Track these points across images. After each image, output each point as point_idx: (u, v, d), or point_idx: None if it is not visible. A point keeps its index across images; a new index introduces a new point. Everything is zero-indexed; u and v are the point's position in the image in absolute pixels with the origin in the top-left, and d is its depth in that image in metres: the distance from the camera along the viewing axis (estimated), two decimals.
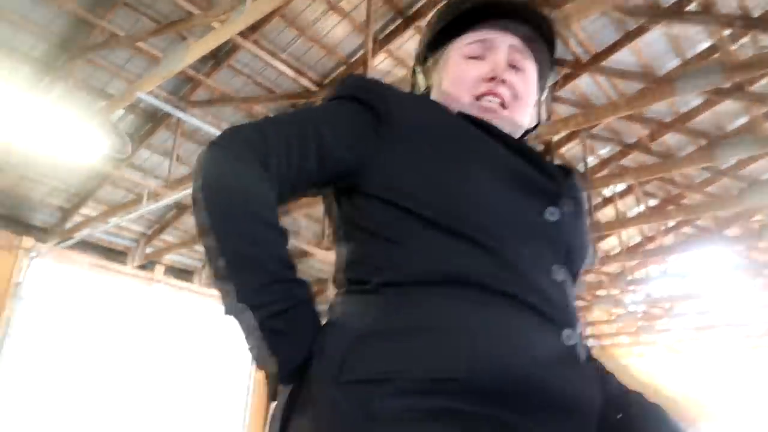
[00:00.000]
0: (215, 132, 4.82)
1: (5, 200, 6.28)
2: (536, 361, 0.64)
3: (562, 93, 5.76)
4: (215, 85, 5.23)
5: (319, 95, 5.14)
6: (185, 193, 5.29)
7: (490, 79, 0.85)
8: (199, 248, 7.49)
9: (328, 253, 6.78)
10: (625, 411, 0.70)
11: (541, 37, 0.89)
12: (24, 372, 6.10)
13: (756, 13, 4.75)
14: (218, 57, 5.08)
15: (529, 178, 0.76)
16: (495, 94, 0.84)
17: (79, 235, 6.23)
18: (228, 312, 0.69)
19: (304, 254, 7.12)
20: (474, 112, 0.83)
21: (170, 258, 7.57)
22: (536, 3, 0.93)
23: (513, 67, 0.86)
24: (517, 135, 0.88)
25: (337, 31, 5.03)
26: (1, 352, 5.99)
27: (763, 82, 5.38)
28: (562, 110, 5.72)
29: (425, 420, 0.59)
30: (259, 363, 0.69)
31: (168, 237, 7.21)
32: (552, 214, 0.75)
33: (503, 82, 0.85)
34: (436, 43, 0.91)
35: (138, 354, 7.01)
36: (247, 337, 0.69)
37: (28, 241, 6.33)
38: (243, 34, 4.74)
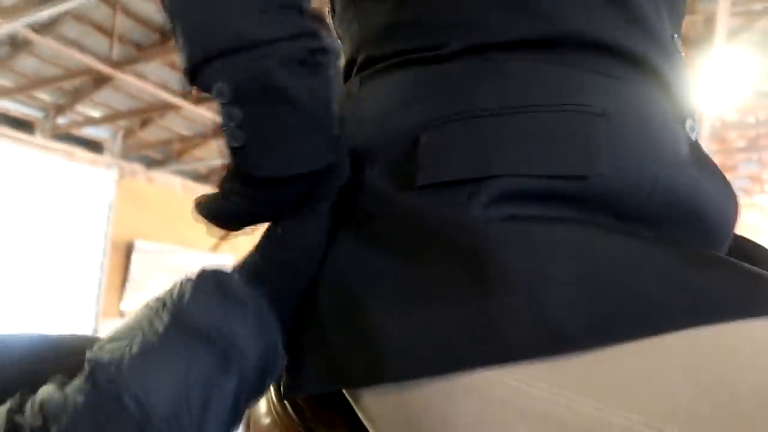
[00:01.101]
0: None
1: None
2: (677, 162, 0.45)
3: None
4: None
5: None
6: (23, 22, 4.44)
7: None
8: (41, 95, 6.55)
9: (196, 107, 6.22)
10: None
11: None
12: None
13: None
14: None
15: None
16: None
17: None
18: (190, 66, 0.42)
19: (168, 108, 6.49)
20: None
21: (4, 105, 6.55)
22: None
23: None
24: None
25: None
26: None
27: None
28: None
29: (544, 229, 0.40)
30: (249, 160, 0.42)
31: (1, 80, 6.17)
32: None
33: None
34: None
35: None
36: (227, 116, 0.41)
37: None
38: None
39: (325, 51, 0.43)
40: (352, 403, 0.44)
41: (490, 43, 0.47)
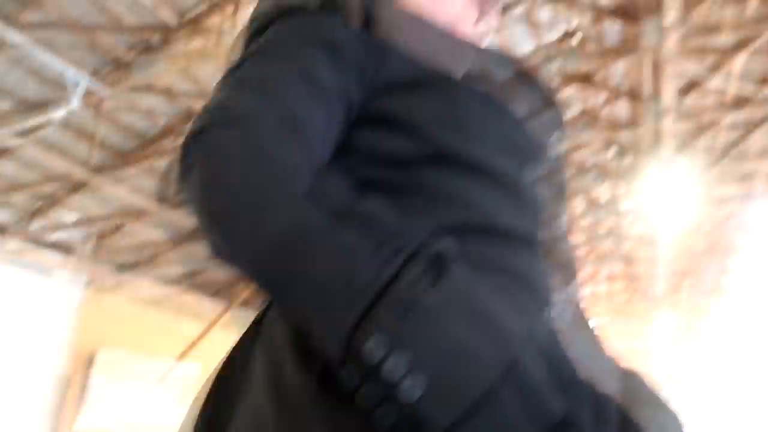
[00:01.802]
0: (48, 58, 4.19)
1: None
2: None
3: None
4: (51, 6, 4.54)
5: (179, 32, 4.67)
6: (9, 131, 4.55)
7: None
8: (14, 200, 6.56)
9: (168, 212, 6.29)
10: None
11: None
12: None
13: None
14: None
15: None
16: None
17: None
18: (344, 335, 0.40)
19: (142, 213, 6.54)
20: None
21: None
22: None
23: None
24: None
25: None
26: None
27: None
28: None
29: None
30: (442, 404, 0.38)
31: None
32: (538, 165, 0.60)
33: None
34: None
35: None
36: (390, 375, 0.39)
37: None
38: None
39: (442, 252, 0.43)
40: None
41: None
